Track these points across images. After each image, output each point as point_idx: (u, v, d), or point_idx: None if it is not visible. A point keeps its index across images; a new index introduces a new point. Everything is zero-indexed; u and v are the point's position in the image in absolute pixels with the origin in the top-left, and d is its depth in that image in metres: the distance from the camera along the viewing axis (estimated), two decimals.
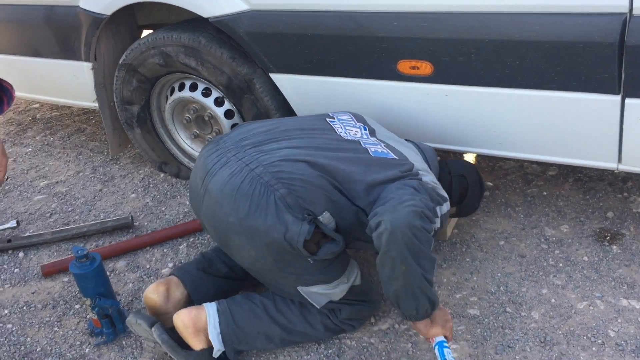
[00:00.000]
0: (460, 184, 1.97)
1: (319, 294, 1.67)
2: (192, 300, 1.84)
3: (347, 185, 1.58)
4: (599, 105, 1.72)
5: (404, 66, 1.90)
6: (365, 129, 1.85)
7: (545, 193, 2.43)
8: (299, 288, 1.66)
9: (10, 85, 1.23)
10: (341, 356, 1.77)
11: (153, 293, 1.80)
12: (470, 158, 2.75)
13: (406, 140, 1.93)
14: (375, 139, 1.80)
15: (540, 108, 1.81)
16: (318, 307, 1.71)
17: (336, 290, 1.68)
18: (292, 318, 1.73)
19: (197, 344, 1.67)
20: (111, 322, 1.86)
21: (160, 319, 1.75)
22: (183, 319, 1.67)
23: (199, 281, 1.87)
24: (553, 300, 1.89)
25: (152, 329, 1.67)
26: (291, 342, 1.77)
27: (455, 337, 1.79)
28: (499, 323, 1.83)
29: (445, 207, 1.68)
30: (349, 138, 1.75)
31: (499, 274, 2.03)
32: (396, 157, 1.71)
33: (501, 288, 1.97)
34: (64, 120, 3.59)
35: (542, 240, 2.16)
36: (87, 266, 1.79)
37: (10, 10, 2.55)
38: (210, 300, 1.75)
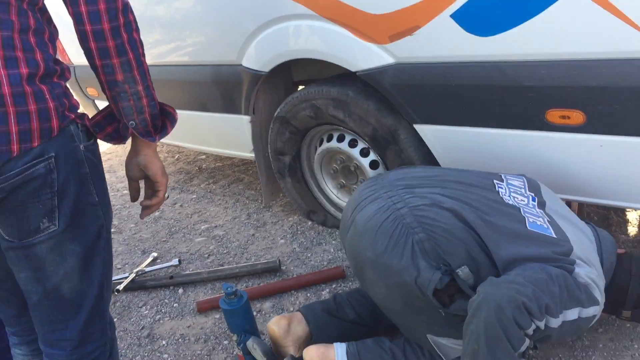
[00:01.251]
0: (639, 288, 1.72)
1: (449, 347, 1.61)
2: (313, 339, 1.87)
3: (491, 248, 1.49)
4: None
5: (553, 115, 1.83)
6: (534, 200, 1.72)
7: None
8: (429, 336, 1.63)
9: (173, 109, 1.34)
10: None
11: (275, 324, 1.87)
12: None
13: (586, 222, 1.78)
14: (541, 211, 1.67)
15: None
16: None
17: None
18: None
19: None
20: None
21: (280, 351, 1.82)
22: (311, 355, 1.71)
23: (322, 322, 1.90)
24: None
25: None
26: None
27: None
28: None
29: (592, 310, 1.49)
30: (510, 202, 1.65)
31: None
32: (555, 236, 1.56)
33: None
34: (225, 170, 3.89)
35: None
36: (235, 303, 1.90)
37: (182, 70, 2.86)
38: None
